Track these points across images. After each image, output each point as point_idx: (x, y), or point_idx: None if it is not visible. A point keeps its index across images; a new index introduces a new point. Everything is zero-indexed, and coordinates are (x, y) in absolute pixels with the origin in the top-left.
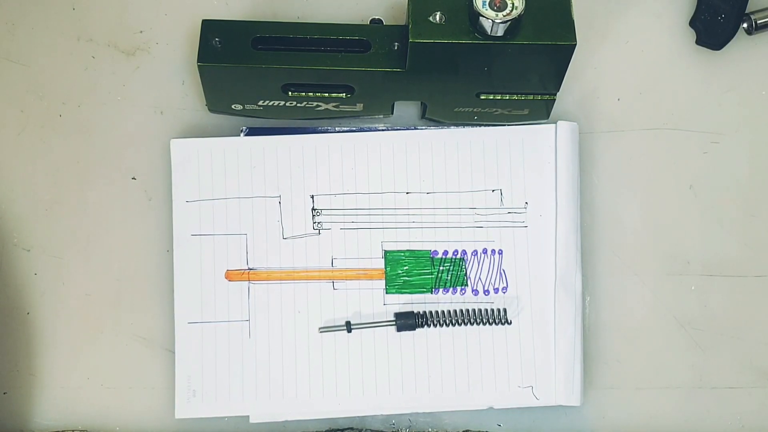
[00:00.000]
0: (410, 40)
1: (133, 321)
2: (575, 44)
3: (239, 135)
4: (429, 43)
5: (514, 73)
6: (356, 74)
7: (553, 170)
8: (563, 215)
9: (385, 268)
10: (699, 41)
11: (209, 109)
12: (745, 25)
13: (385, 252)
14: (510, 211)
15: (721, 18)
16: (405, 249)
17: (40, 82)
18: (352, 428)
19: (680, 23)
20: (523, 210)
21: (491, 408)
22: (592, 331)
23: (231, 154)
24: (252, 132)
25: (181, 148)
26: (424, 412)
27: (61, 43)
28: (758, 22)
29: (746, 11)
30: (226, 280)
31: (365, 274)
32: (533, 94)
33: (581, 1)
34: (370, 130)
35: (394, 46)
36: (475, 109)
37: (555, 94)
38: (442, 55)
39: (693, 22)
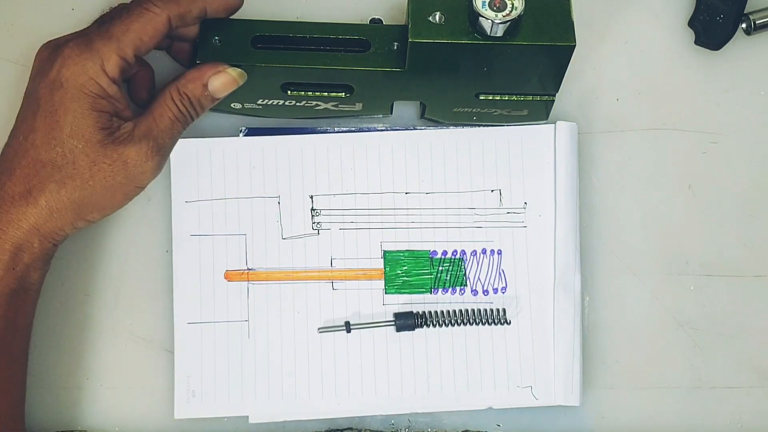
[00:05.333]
0: (410, 40)
1: (133, 321)
2: (575, 45)
3: (238, 135)
4: (428, 43)
5: (514, 74)
6: (355, 74)
7: (552, 170)
8: (562, 215)
9: (385, 268)
10: (698, 41)
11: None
12: (743, 25)
13: (385, 252)
14: (509, 211)
15: (720, 18)
16: (404, 249)
17: None
18: (351, 428)
19: (679, 23)
20: (522, 210)
21: (490, 408)
22: (591, 331)
23: (230, 154)
24: (251, 132)
25: (180, 149)
26: (423, 413)
27: None
28: (757, 22)
29: (745, 11)
30: (225, 281)
31: (364, 275)
32: (532, 94)
33: (580, 2)
34: (369, 130)
35: (393, 46)
36: (474, 110)
37: (554, 95)
38: (442, 55)
39: (692, 23)
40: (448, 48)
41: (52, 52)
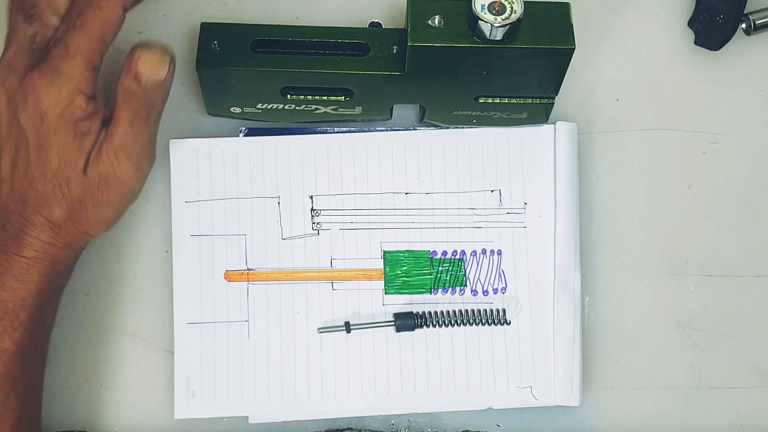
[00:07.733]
0: (409, 44)
1: (132, 321)
2: (574, 48)
3: (238, 135)
4: (428, 47)
5: (513, 77)
6: (355, 78)
7: (552, 171)
8: (562, 216)
9: (384, 268)
10: (698, 41)
11: (208, 112)
12: (743, 25)
13: (384, 252)
14: (509, 211)
15: (720, 18)
16: (404, 249)
17: None
18: (351, 428)
19: (679, 23)
20: (522, 210)
21: (490, 408)
22: (591, 332)
23: (230, 154)
24: (251, 132)
25: (180, 149)
26: (423, 413)
27: None
28: (757, 22)
29: (745, 12)
30: (225, 281)
31: (364, 275)
32: (532, 98)
33: (580, 2)
34: (369, 130)
35: (393, 50)
36: (473, 113)
37: (553, 98)
38: (441, 59)
39: (692, 23)
40: (447, 51)
41: (18, 84)
